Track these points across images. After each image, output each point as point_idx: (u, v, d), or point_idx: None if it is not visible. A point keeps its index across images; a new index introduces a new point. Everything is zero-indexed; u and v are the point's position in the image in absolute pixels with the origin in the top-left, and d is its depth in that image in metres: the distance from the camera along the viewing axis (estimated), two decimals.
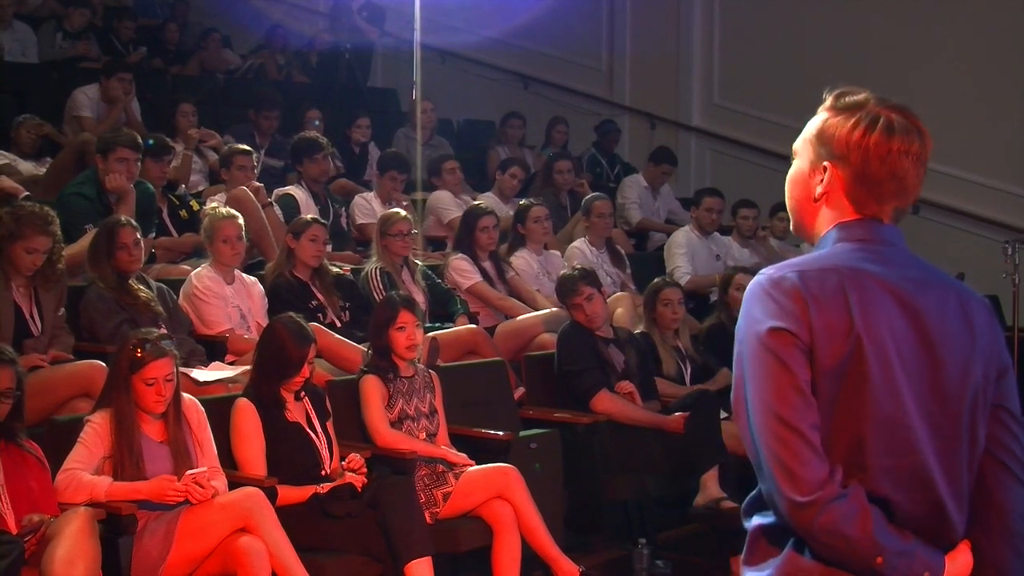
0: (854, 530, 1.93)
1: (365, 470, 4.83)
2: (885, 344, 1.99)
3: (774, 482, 1.95)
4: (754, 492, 2.06)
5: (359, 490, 4.75)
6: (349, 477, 4.77)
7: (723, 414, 5.94)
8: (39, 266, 5.24)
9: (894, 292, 2.02)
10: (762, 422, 1.96)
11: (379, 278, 6.52)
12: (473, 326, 6.48)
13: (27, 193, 6.69)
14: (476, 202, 7.60)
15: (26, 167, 7.53)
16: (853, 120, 2.09)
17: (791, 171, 2.20)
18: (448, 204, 8.25)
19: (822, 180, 2.12)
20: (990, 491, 2.08)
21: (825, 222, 2.14)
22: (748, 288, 2.05)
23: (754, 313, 2.00)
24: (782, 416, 1.94)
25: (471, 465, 5.15)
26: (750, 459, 2.01)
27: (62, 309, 5.44)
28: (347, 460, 4.84)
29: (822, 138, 2.12)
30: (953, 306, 2.07)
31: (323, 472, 4.86)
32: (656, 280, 6.60)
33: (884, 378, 1.98)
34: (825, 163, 2.11)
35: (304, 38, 11.63)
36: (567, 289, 6.17)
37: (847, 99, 2.12)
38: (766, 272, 2.04)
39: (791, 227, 2.26)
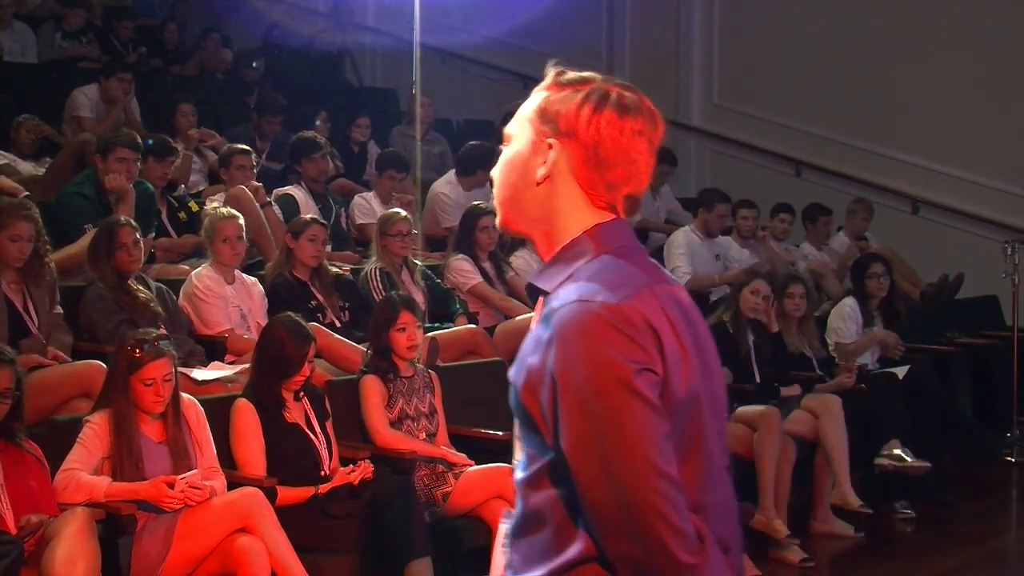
0: None
1: (369, 477, 4.79)
2: (697, 365, 1.81)
3: (660, 544, 1.68)
4: (517, 521, 1.84)
5: (355, 484, 4.73)
6: (344, 473, 4.75)
7: None
8: (27, 256, 5.25)
9: (677, 303, 1.81)
10: (638, 476, 1.68)
11: (379, 278, 6.52)
12: (473, 326, 6.48)
13: (27, 193, 6.69)
14: (476, 202, 7.59)
15: (26, 167, 7.53)
16: (581, 95, 1.85)
17: (503, 156, 1.92)
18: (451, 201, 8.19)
19: (545, 161, 1.86)
20: None
21: (561, 218, 1.87)
22: (575, 318, 1.73)
23: (605, 352, 1.71)
24: (661, 468, 1.69)
25: (471, 465, 5.15)
26: (595, 522, 1.72)
27: (58, 307, 5.45)
28: (358, 467, 4.80)
29: (545, 115, 1.87)
30: (695, 306, 1.87)
31: (322, 472, 4.86)
32: None
33: (709, 404, 1.81)
34: (550, 140, 1.86)
35: (303, 38, 11.63)
36: None
37: (570, 75, 1.89)
38: (594, 299, 1.74)
39: (497, 223, 1.97)
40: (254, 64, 10.88)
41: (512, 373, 1.84)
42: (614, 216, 1.87)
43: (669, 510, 1.68)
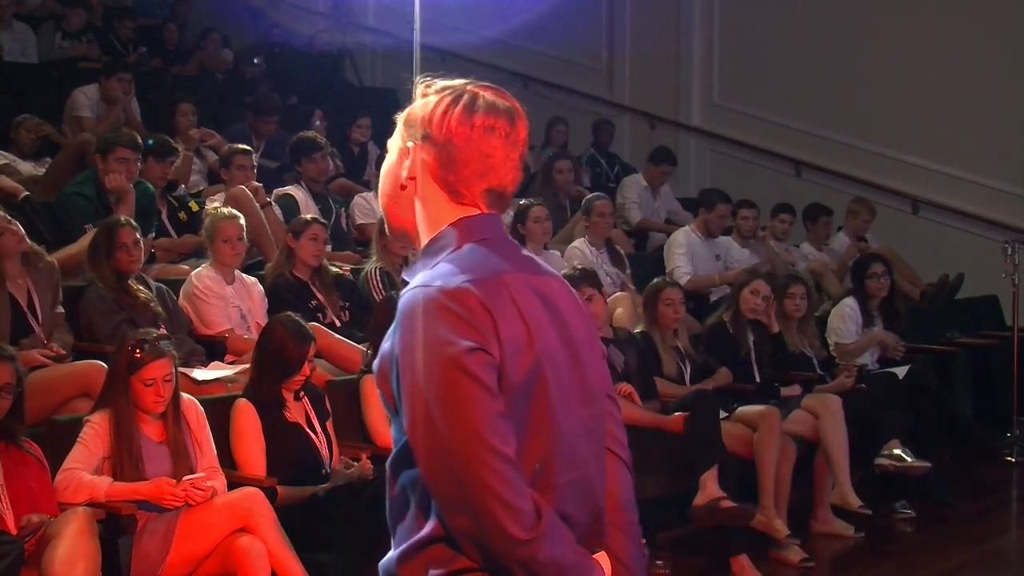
0: (570, 556, 1.81)
1: (369, 476, 4.79)
2: (553, 352, 1.88)
3: (492, 519, 1.74)
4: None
5: (364, 469, 4.73)
6: (343, 469, 4.75)
7: (723, 414, 5.95)
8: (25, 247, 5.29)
9: (538, 292, 1.90)
10: (471, 454, 1.75)
11: (379, 278, 6.52)
12: None
13: (27, 193, 6.69)
14: None
15: (26, 167, 7.53)
16: (438, 99, 1.96)
17: (382, 167, 2.07)
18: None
19: (406, 164, 1.98)
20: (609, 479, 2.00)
21: (426, 216, 1.98)
22: (413, 302, 1.83)
23: (437, 332, 1.78)
24: (494, 446, 1.75)
25: None
26: (436, 498, 1.83)
27: (59, 307, 5.45)
28: (358, 465, 4.80)
29: (408, 120, 2.00)
30: (570, 297, 1.98)
31: (323, 472, 4.86)
32: (656, 280, 6.59)
33: (558, 389, 1.87)
34: (409, 143, 1.98)
35: (303, 38, 11.63)
36: None
37: (438, 84, 2.00)
38: (433, 284, 1.83)
39: (388, 232, 2.11)
40: (255, 60, 10.88)
41: (375, 362, 1.95)
42: (479, 211, 1.95)
43: (501, 486, 1.74)
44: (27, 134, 7.80)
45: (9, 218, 5.37)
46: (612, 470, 2.02)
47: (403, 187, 1.99)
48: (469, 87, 1.97)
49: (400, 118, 2.02)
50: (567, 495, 1.86)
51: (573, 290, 2.02)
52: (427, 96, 1.98)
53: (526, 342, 1.83)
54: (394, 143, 2.04)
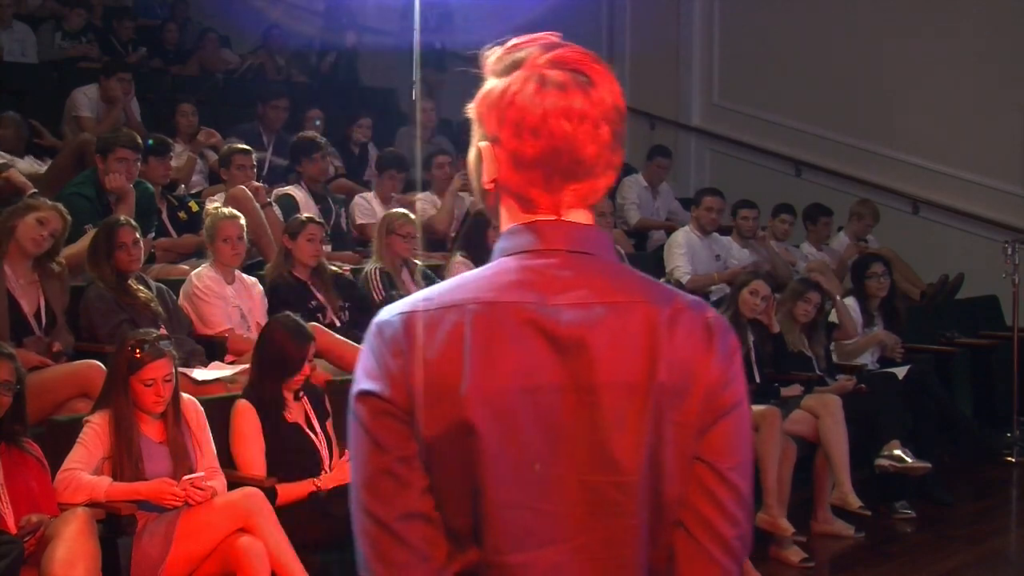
0: None
1: None
2: (512, 402, 1.49)
3: None
4: None
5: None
6: (344, 464, 4.75)
7: None
8: (44, 247, 5.32)
9: (544, 327, 1.50)
10: (353, 512, 1.54)
11: (379, 278, 6.52)
12: None
13: (35, 190, 6.69)
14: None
15: (24, 166, 7.52)
16: (504, 85, 1.58)
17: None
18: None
19: (482, 169, 1.62)
20: (677, 572, 1.56)
21: (501, 218, 1.64)
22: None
23: (357, 368, 1.56)
24: (368, 508, 1.51)
25: None
26: None
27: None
28: None
29: (477, 113, 1.62)
30: (636, 333, 1.52)
31: (323, 472, 4.86)
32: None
33: (505, 449, 1.48)
34: (480, 144, 1.62)
35: (303, 38, 11.62)
36: None
37: (509, 57, 1.61)
38: (385, 309, 1.57)
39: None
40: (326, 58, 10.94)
41: None
42: (529, 213, 1.60)
43: (368, 549, 1.51)
44: (3, 131, 7.72)
45: (62, 219, 5.44)
46: (691, 566, 1.56)
47: (487, 189, 1.67)
48: (540, 64, 1.59)
49: (471, 107, 1.67)
50: None
51: (687, 327, 1.56)
52: (497, 77, 1.62)
53: (451, 389, 1.49)
54: (473, 134, 1.70)
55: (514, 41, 1.64)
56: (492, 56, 1.63)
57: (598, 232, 1.60)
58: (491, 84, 1.61)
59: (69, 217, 5.48)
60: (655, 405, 1.52)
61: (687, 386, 1.54)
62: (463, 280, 1.58)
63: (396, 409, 1.51)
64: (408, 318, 1.53)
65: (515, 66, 1.59)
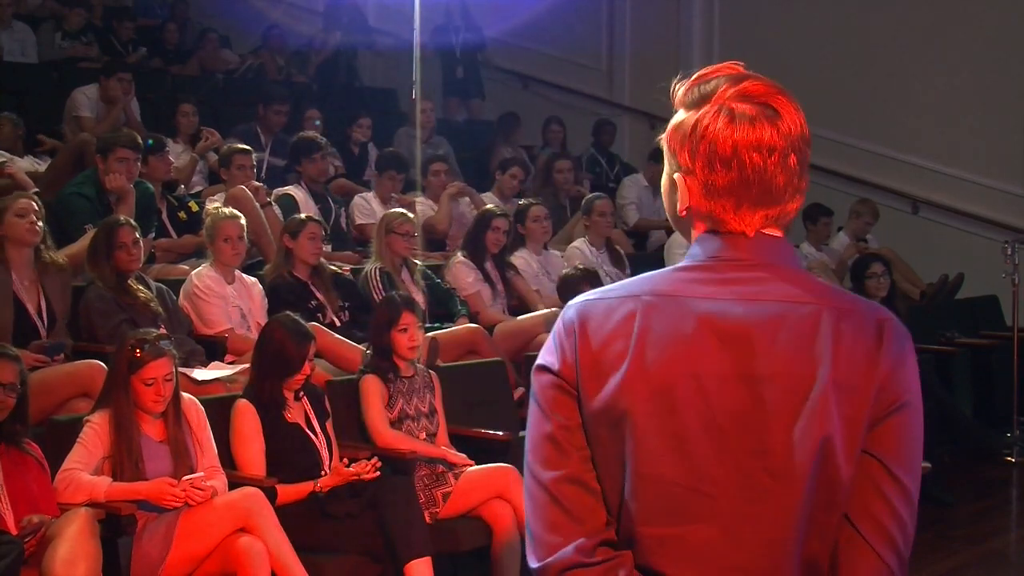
0: None
1: (375, 475, 4.77)
2: (674, 385, 1.61)
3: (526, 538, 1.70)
4: None
5: (356, 477, 4.71)
6: (343, 469, 4.74)
7: None
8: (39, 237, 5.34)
9: (713, 320, 1.62)
10: (524, 473, 1.72)
11: (379, 278, 6.52)
12: (473, 325, 6.47)
13: (36, 189, 6.69)
14: (489, 205, 7.62)
15: (23, 164, 7.52)
16: (695, 119, 1.69)
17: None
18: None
19: (676, 197, 1.74)
20: (839, 565, 1.62)
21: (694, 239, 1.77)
22: None
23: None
24: (532, 469, 1.68)
25: (471, 465, 5.15)
26: None
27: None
28: (362, 464, 4.77)
29: (669, 145, 1.73)
30: (803, 330, 1.61)
31: (323, 472, 4.86)
32: None
33: (661, 427, 1.61)
34: (675, 175, 1.72)
35: (302, 38, 11.63)
36: (570, 288, 6.16)
37: (697, 90, 1.73)
38: (577, 297, 1.77)
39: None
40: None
41: None
42: (729, 230, 1.70)
43: (529, 507, 1.69)
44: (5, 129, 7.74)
45: (36, 204, 5.42)
46: (853, 559, 1.62)
47: (682, 215, 1.78)
48: (728, 96, 1.69)
49: (665, 133, 1.78)
50: (656, 551, 1.62)
51: (855, 329, 1.63)
52: (688, 109, 1.73)
53: (615, 367, 1.63)
54: (665, 161, 1.81)
55: (700, 72, 1.76)
56: (681, 88, 1.75)
57: (784, 244, 1.71)
58: (681, 116, 1.73)
59: (39, 201, 5.50)
60: (822, 399, 1.59)
61: (856, 382, 1.61)
62: (650, 275, 1.72)
63: (564, 383, 1.67)
64: (587, 304, 1.71)
65: (704, 99, 1.70)
